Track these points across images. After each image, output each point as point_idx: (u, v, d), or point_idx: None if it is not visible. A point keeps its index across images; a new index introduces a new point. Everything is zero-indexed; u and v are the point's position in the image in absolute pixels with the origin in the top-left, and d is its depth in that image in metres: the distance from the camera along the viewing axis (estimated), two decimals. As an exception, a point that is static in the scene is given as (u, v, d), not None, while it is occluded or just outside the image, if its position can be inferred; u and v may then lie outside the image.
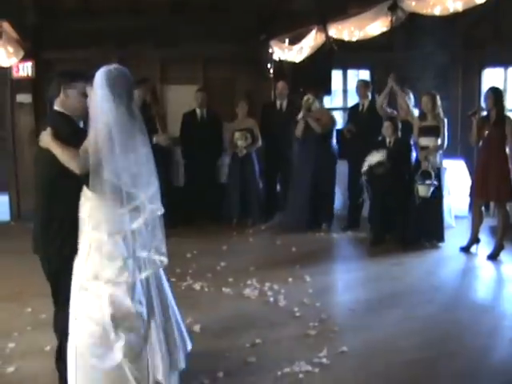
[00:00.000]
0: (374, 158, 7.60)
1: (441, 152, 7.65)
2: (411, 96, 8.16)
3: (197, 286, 6.17)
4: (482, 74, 10.22)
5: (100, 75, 3.43)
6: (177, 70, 9.56)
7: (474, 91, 10.15)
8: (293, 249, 7.57)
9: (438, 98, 7.57)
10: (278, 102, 8.98)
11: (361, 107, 8.53)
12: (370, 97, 8.52)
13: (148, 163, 3.49)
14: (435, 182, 7.41)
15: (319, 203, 8.44)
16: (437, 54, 9.96)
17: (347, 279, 6.62)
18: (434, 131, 7.54)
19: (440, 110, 7.56)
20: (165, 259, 3.66)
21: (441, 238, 7.74)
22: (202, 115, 8.96)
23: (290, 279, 6.35)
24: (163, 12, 9.16)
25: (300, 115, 8.34)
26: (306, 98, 8.33)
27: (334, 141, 8.56)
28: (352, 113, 8.78)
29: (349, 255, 7.52)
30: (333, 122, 8.49)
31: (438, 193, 7.56)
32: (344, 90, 10.56)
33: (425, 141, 7.59)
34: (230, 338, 4.89)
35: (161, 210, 3.61)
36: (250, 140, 8.75)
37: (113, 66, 3.49)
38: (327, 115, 8.48)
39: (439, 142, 7.55)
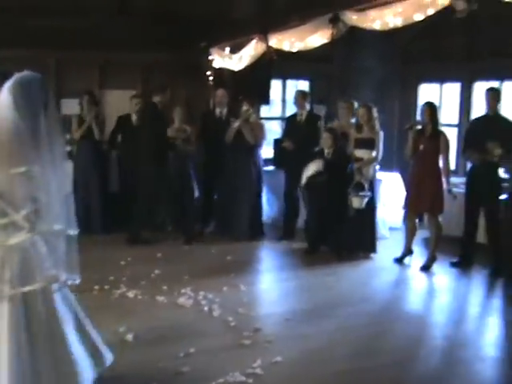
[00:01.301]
0: (311, 169, 7.63)
1: (375, 164, 7.74)
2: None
3: (130, 294, 6.08)
4: (418, 89, 10.43)
5: (11, 81, 3.30)
6: (116, 74, 9.40)
7: (410, 105, 10.37)
8: (228, 257, 7.54)
9: (374, 110, 7.67)
10: (218, 110, 8.91)
11: (299, 117, 8.57)
12: (308, 107, 8.59)
13: (28, 183, 3.25)
14: (368, 194, 7.48)
15: (251, 214, 8.44)
16: (375, 68, 10.10)
17: (282, 289, 6.62)
18: (370, 143, 7.62)
19: (376, 123, 7.66)
20: (62, 277, 3.43)
21: (373, 249, 7.82)
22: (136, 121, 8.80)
23: (225, 288, 6.31)
24: (103, 16, 9.01)
25: (236, 123, 8.30)
26: (245, 108, 8.30)
27: (262, 152, 8.65)
28: (289, 123, 8.81)
29: (284, 265, 7.52)
30: (264, 133, 8.50)
31: (371, 204, 7.65)
32: (283, 100, 10.60)
33: (360, 153, 7.67)
34: (164, 347, 4.83)
35: (68, 230, 3.43)
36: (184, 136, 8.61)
37: (25, 73, 3.36)
38: (261, 128, 8.47)
39: (374, 154, 7.63)
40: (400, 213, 8.68)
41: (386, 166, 8.95)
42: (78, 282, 3.51)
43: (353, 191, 7.47)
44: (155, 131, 7.99)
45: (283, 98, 10.61)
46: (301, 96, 8.57)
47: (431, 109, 7.29)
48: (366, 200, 7.48)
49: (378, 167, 7.96)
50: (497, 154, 6.75)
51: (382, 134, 7.67)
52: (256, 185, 8.44)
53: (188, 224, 8.38)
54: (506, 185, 7.17)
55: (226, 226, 8.57)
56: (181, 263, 7.26)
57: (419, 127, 7.35)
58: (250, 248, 8.12)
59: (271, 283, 6.82)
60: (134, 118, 8.80)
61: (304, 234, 8.19)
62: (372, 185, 7.68)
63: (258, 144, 8.39)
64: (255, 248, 8.16)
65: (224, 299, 5.99)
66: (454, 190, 7.58)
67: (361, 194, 7.45)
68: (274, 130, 10.30)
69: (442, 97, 9.96)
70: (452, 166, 9.30)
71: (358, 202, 7.48)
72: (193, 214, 8.49)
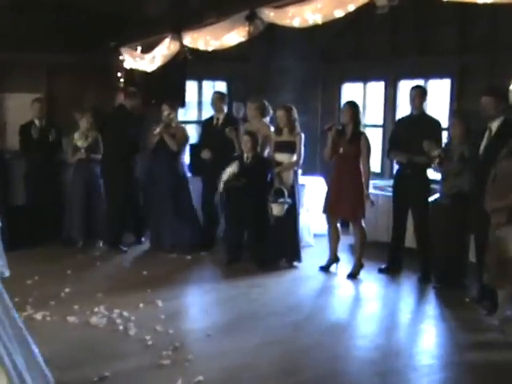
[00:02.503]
0: (227, 173, 7.64)
1: (296, 169, 7.77)
2: (270, 110, 8.25)
3: (38, 316, 5.90)
4: (341, 89, 10.57)
5: None
6: (18, 76, 9.15)
7: (333, 106, 10.50)
8: (144, 272, 7.45)
9: (293, 111, 7.68)
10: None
11: (215, 121, 8.53)
12: (225, 110, 8.55)
13: None
14: (288, 200, 7.49)
15: (180, 222, 8.38)
16: (296, 67, 10.21)
17: (202, 302, 6.61)
18: (290, 147, 7.64)
19: (296, 125, 7.67)
20: None
21: (297, 258, 7.86)
22: (41, 126, 8.62)
23: (141, 305, 6.24)
24: (3, 12, 8.74)
25: (157, 130, 8.20)
26: (166, 112, 8.22)
27: (185, 157, 8.60)
28: (206, 126, 8.77)
29: (203, 277, 7.49)
30: (186, 138, 8.44)
31: (293, 211, 7.66)
32: (199, 102, 10.57)
33: (280, 157, 7.70)
34: (76, 371, 4.71)
35: None
36: (91, 140, 8.49)
37: None
38: (182, 131, 8.41)
39: (295, 158, 7.66)
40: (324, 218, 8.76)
41: (310, 169, 9.04)
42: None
43: (272, 198, 7.47)
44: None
45: (199, 100, 10.58)
46: (218, 98, 8.54)
47: (352, 109, 7.36)
48: (286, 207, 7.49)
49: (300, 171, 8.00)
50: (434, 154, 6.81)
51: (302, 136, 7.69)
52: (181, 193, 8.38)
53: (110, 235, 8.40)
54: (434, 186, 7.35)
55: (153, 238, 8.54)
56: (93, 280, 7.14)
57: (340, 128, 7.41)
58: (167, 261, 8.04)
59: (190, 297, 6.80)
60: (37, 123, 8.59)
61: (224, 244, 8.20)
62: (293, 190, 7.68)
63: (180, 150, 8.33)
64: (172, 261, 8.06)
65: (140, 317, 5.90)
66: (374, 194, 7.77)
67: (280, 200, 7.47)
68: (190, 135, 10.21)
69: (365, 96, 10.15)
70: (377, 169, 9.57)
71: (277, 210, 7.49)
72: (107, 227, 8.37)
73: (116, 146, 8.33)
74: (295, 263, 7.84)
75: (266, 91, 9.56)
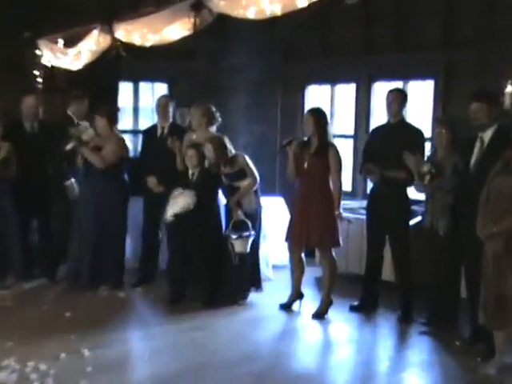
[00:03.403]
0: (179, 204, 7.58)
1: (255, 189, 7.80)
2: (218, 118, 8.22)
3: None
4: (305, 92, 10.66)
5: None
6: None
7: (295, 112, 10.56)
8: (67, 314, 7.31)
9: (224, 140, 7.72)
10: (27, 124, 8.49)
11: (160, 130, 8.47)
12: (171, 118, 8.52)
13: None
14: (253, 233, 7.59)
15: (104, 255, 8.26)
16: (251, 66, 10.22)
17: (138, 350, 6.55)
18: (241, 174, 7.71)
19: (229, 149, 7.73)
20: None
21: (258, 286, 8.05)
22: None
23: (63, 355, 6.08)
24: None
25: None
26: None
27: (125, 175, 8.43)
28: (148, 137, 8.68)
29: (141, 319, 7.40)
30: (122, 151, 8.23)
31: (255, 240, 7.76)
32: (134, 108, 10.55)
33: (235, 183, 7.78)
34: None
35: None
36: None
37: None
38: (115, 143, 8.17)
39: (248, 181, 7.71)
40: (286, 247, 8.73)
41: (267, 189, 9.02)
42: None
43: (233, 233, 7.53)
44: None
45: (135, 105, 10.58)
46: (165, 103, 8.48)
47: (316, 117, 7.36)
48: (250, 241, 7.57)
49: (257, 186, 7.97)
50: (424, 171, 6.75)
51: (246, 157, 7.76)
52: (117, 219, 8.28)
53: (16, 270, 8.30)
54: (415, 208, 7.34)
55: (71, 272, 8.40)
56: (3, 325, 6.93)
57: (303, 140, 7.44)
58: (96, 300, 7.92)
59: (124, 344, 6.64)
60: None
61: (166, 278, 8.13)
62: (256, 215, 7.81)
63: (111, 167, 8.11)
64: (103, 300, 7.97)
65: (61, 370, 5.76)
66: (346, 214, 7.74)
67: (244, 234, 7.53)
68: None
69: (333, 101, 10.24)
70: (348, 187, 9.60)
71: (241, 246, 7.55)
72: (20, 259, 8.27)
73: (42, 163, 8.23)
74: (245, 302, 7.88)
75: (216, 95, 9.59)
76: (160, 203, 7.80)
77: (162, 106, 8.45)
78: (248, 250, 7.60)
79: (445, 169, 6.68)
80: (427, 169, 6.72)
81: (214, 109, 8.14)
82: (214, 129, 8.17)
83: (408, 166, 6.87)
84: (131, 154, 8.87)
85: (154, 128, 8.64)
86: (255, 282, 8.03)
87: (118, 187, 8.25)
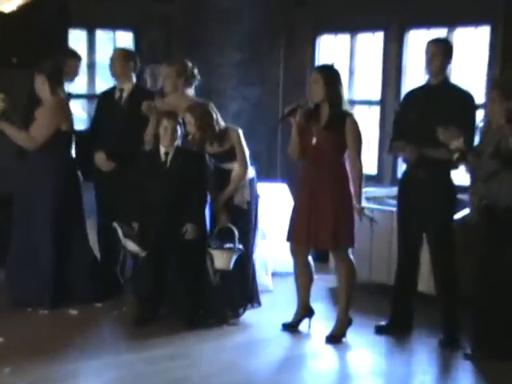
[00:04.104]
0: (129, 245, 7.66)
1: (247, 179, 7.84)
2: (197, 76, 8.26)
3: None
4: (316, 45, 10.63)
5: None
6: None
7: (303, 71, 10.48)
8: (-1, 339, 7.34)
9: (210, 107, 7.72)
10: None
11: (118, 94, 8.48)
12: (134, 78, 8.51)
13: None
14: (239, 247, 7.62)
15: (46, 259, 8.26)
16: (244, 10, 10.16)
17: None
18: (230, 155, 7.78)
19: (219, 122, 7.73)
20: None
21: (255, 301, 8.05)
22: None
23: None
24: None
25: None
26: None
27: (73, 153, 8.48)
28: (103, 103, 8.71)
29: (99, 344, 7.31)
30: (60, 118, 8.15)
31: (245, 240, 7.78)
32: (89, 65, 10.54)
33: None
34: None
35: None
36: None
37: None
38: (48, 109, 8.10)
39: (236, 168, 7.76)
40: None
41: (266, 172, 8.95)
42: None
43: (214, 242, 7.57)
44: None
45: (90, 60, 10.56)
46: (121, 58, 8.46)
47: (328, 77, 7.27)
48: (235, 257, 7.62)
49: (253, 174, 8.00)
50: (454, 146, 6.74)
51: (239, 132, 7.76)
52: (50, 211, 8.21)
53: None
54: (463, 197, 7.30)
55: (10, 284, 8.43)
56: None
57: (310, 107, 7.35)
58: (40, 320, 7.92)
59: (73, 379, 6.56)
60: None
61: (132, 290, 8.19)
62: (250, 210, 7.89)
63: (44, 144, 8.06)
64: (48, 319, 7.97)
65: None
66: (368, 209, 7.76)
67: (227, 245, 7.56)
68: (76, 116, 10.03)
69: (353, 56, 10.23)
70: (373, 170, 9.58)
71: (222, 261, 7.57)
72: None
73: None
74: (247, 310, 7.94)
75: (197, 48, 9.64)
76: (114, 189, 8.00)
77: (117, 61, 8.44)
78: (231, 266, 7.57)
79: (485, 149, 6.69)
80: (457, 145, 6.70)
81: (189, 64, 8.17)
82: (191, 92, 8.23)
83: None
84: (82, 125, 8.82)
85: (110, 92, 8.68)
86: (250, 294, 8.05)
87: (59, 172, 8.22)
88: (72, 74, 8.72)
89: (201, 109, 7.67)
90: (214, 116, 7.69)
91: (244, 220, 7.74)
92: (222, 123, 7.77)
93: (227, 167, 7.75)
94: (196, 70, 8.18)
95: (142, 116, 8.05)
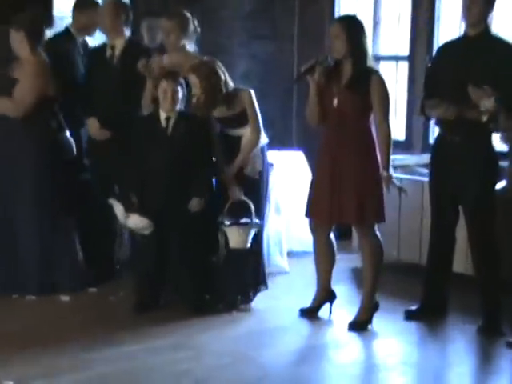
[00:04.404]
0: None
1: (259, 146, 7.82)
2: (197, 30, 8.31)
3: None
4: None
5: None
6: None
7: (321, 22, 10.49)
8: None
9: (216, 65, 7.66)
10: None
11: (109, 51, 8.47)
12: (127, 33, 8.51)
13: None
14: (257, 221, 7.63)
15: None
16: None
17: (93, 382, 6.40)
18: (240, 120, 7.75)
19: (228, 82, 7.67)
20: None
21: (262, 284, 8.03)
22: None
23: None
24: None
25: None
26: None
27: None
28: (93, 62, 8.68)
29: (94, 334, 7.26)
30: (46, 82, 8.16)
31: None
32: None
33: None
34: None
35: None
36: None
37: None
38: (32, 71, 8.10)
39: (248, 133, 7.73)
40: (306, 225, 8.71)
41: (280, 139, 8.92)
42: None
43: (227, 218, 7.57)
44: None
45: None
46: (111, 10, 8.43)
47: (350, 29, 7.19)
48: (252, 233, 7.63)
49: (265, 141, 8.00)
50: (485, 107, 6.67)
51: (251, 94, 7.71)
52: (38, 190, 8.29)
53: None
54: (505, 164, 7.21)
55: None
56: None
57: (330, 64, 7.30)
58: (29, 306, 7.96)
59: (66, 373, 6.45)
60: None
61: (132, 275, 8.22)
62: (261, 182, 7.89)
63: (35, 110, 8.11)
64: (38, 306, 7.98)
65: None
66: (397, 178, 7.61)
67: (243, 221, 7.59)
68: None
69: (378, 4, 10.25)
70: (401, 135, 9.57)
71: (238, 238, 7.59)
72: None
73: None
74: (255, 295, 7.97)
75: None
76: (108, 159, 8.09)
77: (106, 13, 8.41)
78: (248, 245, 7.59)
79: None
80: (488, 105, 6.63)
81: (190, 17, 8.16)
82: (194, 48, 8.24)
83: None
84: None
85: (101, 49, 8.67)
86: (262, 276, 8.09)
87: (45, 143, 8.25)
88: (93, 28, 8.73)
89: (206, 68, 7.61)
90: (222, 76, 7.63)
91: (256, 193, 7.73)
92: (231, 84, 7.73)
93: (236, 133, 7.73)
94: (197, 23, 8.17)
95: (138, 76, 8.02)
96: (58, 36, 8.79)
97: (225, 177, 7.67)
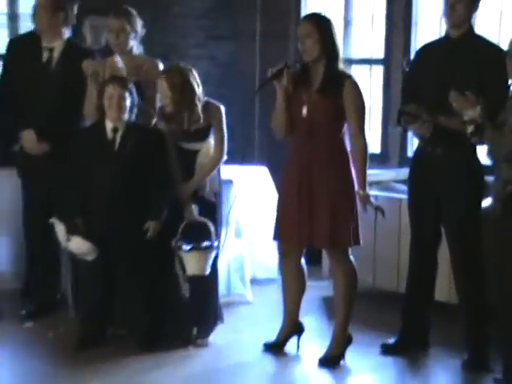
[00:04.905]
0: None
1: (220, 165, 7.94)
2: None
3: None
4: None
5: None
6: None
7: (286, 21, 10.53)
8: None
9: (190, 73, 7.71)
10: None
11: (46, 55, 8.39)
12: (66, 33, 8.43)
13: None
14: (215, 244, 7.70)
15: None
16: None
17: None
18: (203, 134, 7.80)
19: (197, 92, 7.68)
20: None
21: (219, 318, 8.07)
22: None
23: None
24: None
25: None
26: None
27: None
28: (20, 60, 8.51)
29: (31, 376, 7.26)
30: None
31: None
32: (11, 16, 10.66)
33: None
34: None
35: None
36: None
37: None
38: None
39: (211, 149, 7.81)
40: (272, 248, 8.83)
41: (240, 152, 8.95)
42: None
43: (183, 241, 7.60)
44: None
45: (11, 11, 10.69)
46: (47, 8, 8.32)
47: (323, 28, 7.22)
48: (213, 255, 7.67)
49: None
50: (470, 116, 6.66)
51: (222, 109, 7.79)
52: None
53: None
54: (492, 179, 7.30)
55: None
56: None
57: (298, 67, 7.35)
58: None
59: None
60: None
61: (74, 305, 8.31)
62: (218, 201, 8.03)
63: None
64: None
65: None
66: (373, 197, 7.63)
67: (203, 245, 7.61)
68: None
69: (350, 2, 10.28)
70: (375, 148, 9.63)
71: (196, 264, 7.61)
72: None
73: None
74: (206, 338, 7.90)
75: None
76: (47, 177, 8.07)
77: (41, 11, 8.33)
78: (208, 270, 7.61)
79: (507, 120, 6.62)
80: (472, 115, 6.60)
81: (134, 13, 8.17)
82: (140, 50, 8.29)
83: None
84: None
85: (31, 44, 8.51)
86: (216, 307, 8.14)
87: None
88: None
89: (180, 77, 7.62)
90: (196, 89, 7.66)
91: (212, 215, 7.75)
92: (202, 98, 7.73)
93: (192, 147, 7.76)
94: (142, 22, 8.19)
95: (80, 81, 8.00)
96: None
97: (180, 195, 7.69)
